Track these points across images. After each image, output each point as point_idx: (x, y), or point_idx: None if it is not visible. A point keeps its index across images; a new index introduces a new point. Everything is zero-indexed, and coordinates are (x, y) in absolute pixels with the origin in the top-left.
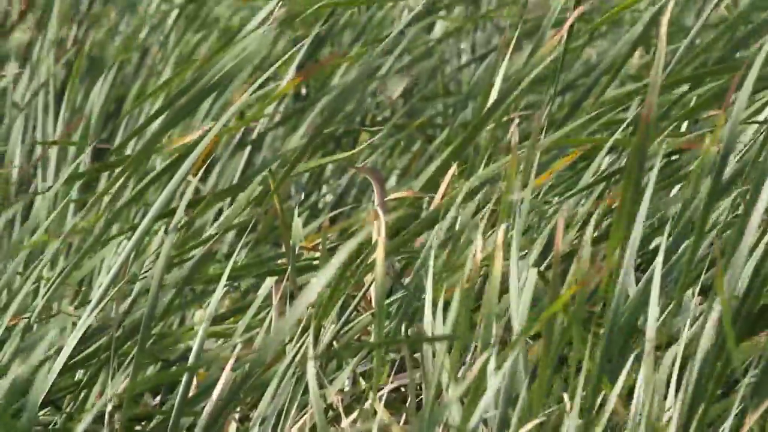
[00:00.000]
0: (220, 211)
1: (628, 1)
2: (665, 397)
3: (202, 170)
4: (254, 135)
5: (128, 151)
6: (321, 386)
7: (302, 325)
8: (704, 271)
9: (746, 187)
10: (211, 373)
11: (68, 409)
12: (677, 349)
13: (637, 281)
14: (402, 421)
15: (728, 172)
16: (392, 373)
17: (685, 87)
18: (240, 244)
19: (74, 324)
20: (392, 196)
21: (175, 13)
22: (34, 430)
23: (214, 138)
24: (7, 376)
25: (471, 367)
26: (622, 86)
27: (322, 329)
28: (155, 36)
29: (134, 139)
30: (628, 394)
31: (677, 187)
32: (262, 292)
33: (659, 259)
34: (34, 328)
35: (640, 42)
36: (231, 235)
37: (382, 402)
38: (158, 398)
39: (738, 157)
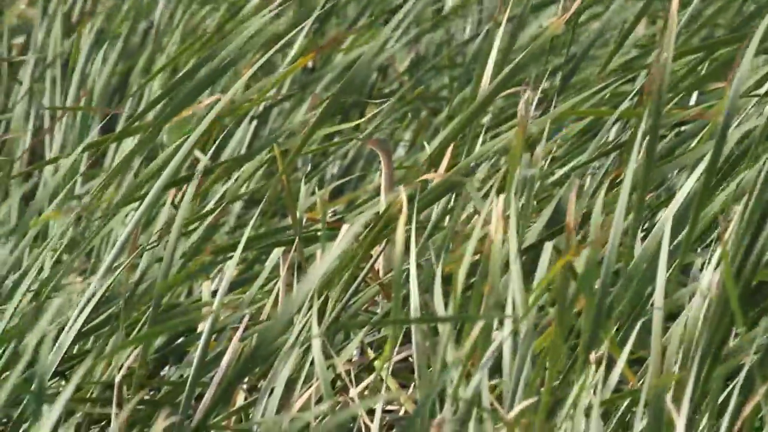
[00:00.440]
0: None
1: None
2: (675, 363)
3: (207, 143)
4: (260, 108)
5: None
6: (329, 357)
7: (310, 296)
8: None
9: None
10: (219, 344)
11: (77, 380)
12: (685, 316)
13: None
14: (410, 391)
15: (735, 144)
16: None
17: (690, 58)
18: (252, 216)
19: (82, 295)
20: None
21: None
22: (44, 399)
23: (223, 109)
24: (18, 346)
25: (472, 337)
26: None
27: (330, 301)
28: (162, 8)
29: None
30: (637, 361)
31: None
32: (270, 263)
33: (667, 227)
34: (43, 298)
35: (645, 12)
36: (238, 207)
37: (389, 371)
38: (166, 369)
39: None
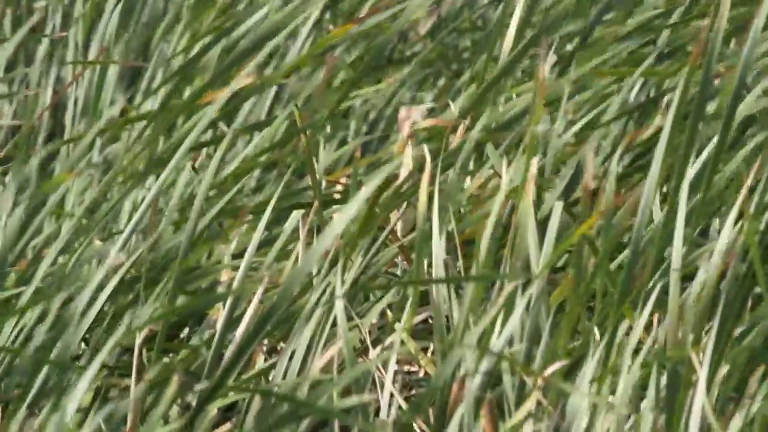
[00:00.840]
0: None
1: None
2: (694, 327)
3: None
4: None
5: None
6: (349, 319)
7: (330, 258)
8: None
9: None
10: (238, 307)
11: (97, 343)
12: (705, 276)
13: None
14: (429, 352)
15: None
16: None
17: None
18: (271, 180)
19: (101, 260)
20: (426, 123)
21: None
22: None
23: (246, 86)
24: (43, 310)
25: (496, 300)
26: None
27: (350, 263)
28: None
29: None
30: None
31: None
32: (289, 226)
33: (684, 186)
34: (60, 262)
35: None
36: (257, 171)
37: (406, 331)
38: (185, 332)
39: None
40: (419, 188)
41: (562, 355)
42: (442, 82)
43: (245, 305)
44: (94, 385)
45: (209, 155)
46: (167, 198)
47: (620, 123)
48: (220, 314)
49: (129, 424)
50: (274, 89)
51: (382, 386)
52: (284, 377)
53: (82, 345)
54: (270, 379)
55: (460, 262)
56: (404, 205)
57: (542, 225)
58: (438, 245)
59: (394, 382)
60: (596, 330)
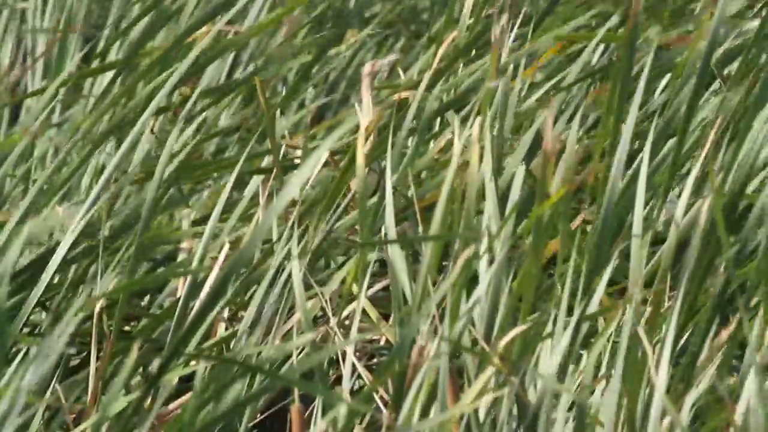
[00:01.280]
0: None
1: None
2: (656, 294)
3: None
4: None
5: (116, 52)
6: (310, 287)
7: (290, 224)
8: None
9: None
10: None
11: (57, 310)
12: (666, 244)
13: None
14: (390, 321)
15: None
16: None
17: None
18: (231, 144)
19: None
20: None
21: None
22: (24, 330)
23: (208, 45)
24: None
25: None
26: None
27: (309, 229)
28: None
29: (121, 40)
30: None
31: (663, 81)
32: (249, 192)
33: (646, 149)
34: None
35: None
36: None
37: (361, 300)
38: (146, 299)
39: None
40: (380, 152)
41: (522, 321)
42: (400, 44)
43: (206, 273)
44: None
45: (169, 120)
46: (127, 163)
47: (584, 87)
48: (181, 282)
49: (90, 393)
50: (232, 53)
51: (344, 355)
52: (245, 345)
53: (43, 314)
54: (230, 347)
55: (420, 229)
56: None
57: (506, 191)
58: (391, 210)
59: (355, 351)
60: (560, 294)
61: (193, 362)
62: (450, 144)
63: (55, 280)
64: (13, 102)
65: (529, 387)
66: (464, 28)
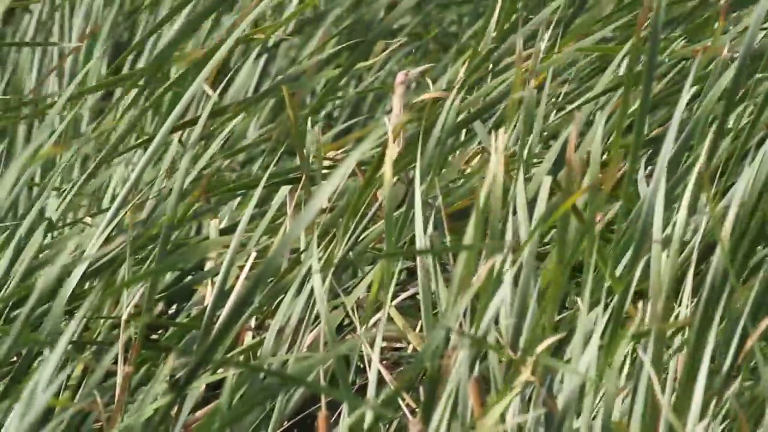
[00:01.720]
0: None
1: None
2: (678, 300)
3: (215, 79)
4: (269, 44)
5: (144, 61)
6: (336, 296)
7: (317, 233)
8: (718, 177)
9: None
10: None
11: (81, 316)
12: (690, 249)
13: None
14: (417, 328)
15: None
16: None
17: None
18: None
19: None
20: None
21: None
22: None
23: (231, 48)
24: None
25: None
26: None
27: (336, 239)
28: None
29: (149, 47)
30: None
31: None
32: (276, 202)
33: (664, 153)
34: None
35: None
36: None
37: (387, 307)
38: (173, 308)
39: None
40: (406, 163)
41: (549, 330)
42: (428, 55)
43: (233, 281)
44: (83, 361)
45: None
46: (153, 173)
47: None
48: (208, 290)
49: (117, 400)
50: (261, 63)
51: (370, 362)
52: (272, 354)
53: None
54: (258, 355)
55: (447, 239)
56: (396, 179)
57: (533, 200)
58: (420, 220)
59: (381, 359)
60: (580, 302)
61: (220, 370)
62: (476, 154)
63: (85, 287)
64: (40, 112)
65: (557, 395)
66: (490, 41)
